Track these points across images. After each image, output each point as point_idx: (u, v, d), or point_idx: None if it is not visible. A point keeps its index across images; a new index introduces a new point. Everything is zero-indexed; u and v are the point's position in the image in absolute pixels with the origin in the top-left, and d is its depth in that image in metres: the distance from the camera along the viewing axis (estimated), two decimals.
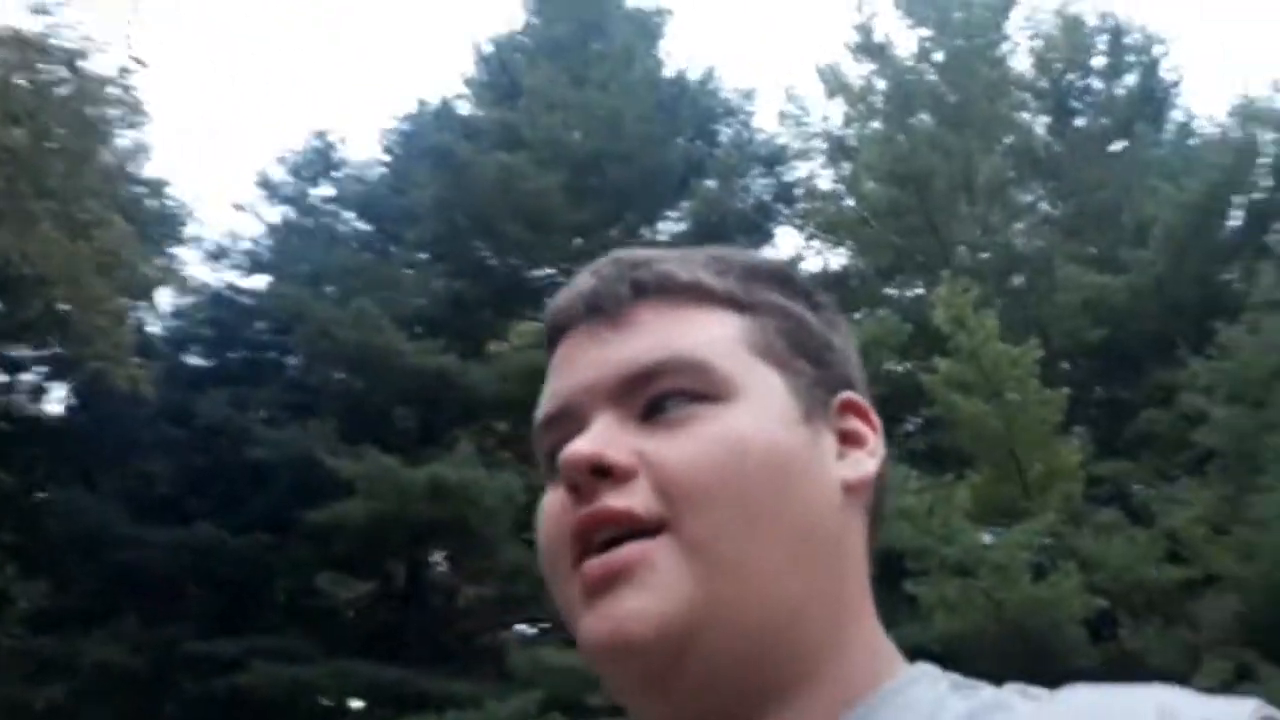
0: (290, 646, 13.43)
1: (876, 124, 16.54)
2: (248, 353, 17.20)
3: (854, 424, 0.73)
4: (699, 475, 0.64)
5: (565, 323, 0.73)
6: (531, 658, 11.79)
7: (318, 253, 16.11)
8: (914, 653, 0.69)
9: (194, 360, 17.16)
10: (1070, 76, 16.85)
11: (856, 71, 16.72)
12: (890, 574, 9.35)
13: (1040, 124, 17.02)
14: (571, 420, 0.69)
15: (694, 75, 17.91)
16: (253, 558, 14.26)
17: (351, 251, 16.43)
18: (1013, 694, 0.61)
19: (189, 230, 16.89)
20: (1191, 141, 16.44)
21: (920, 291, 14.89)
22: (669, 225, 17.02)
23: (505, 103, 16.39)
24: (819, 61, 16.90)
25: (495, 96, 16.97)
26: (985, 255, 15.22)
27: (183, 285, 16.28)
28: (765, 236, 17.22)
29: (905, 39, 16.38)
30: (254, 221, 17.52)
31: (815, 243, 17.49)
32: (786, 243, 17.58)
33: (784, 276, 0.77)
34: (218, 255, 17.22)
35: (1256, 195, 14.38)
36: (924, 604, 9.91)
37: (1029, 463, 11.03)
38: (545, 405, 0.72)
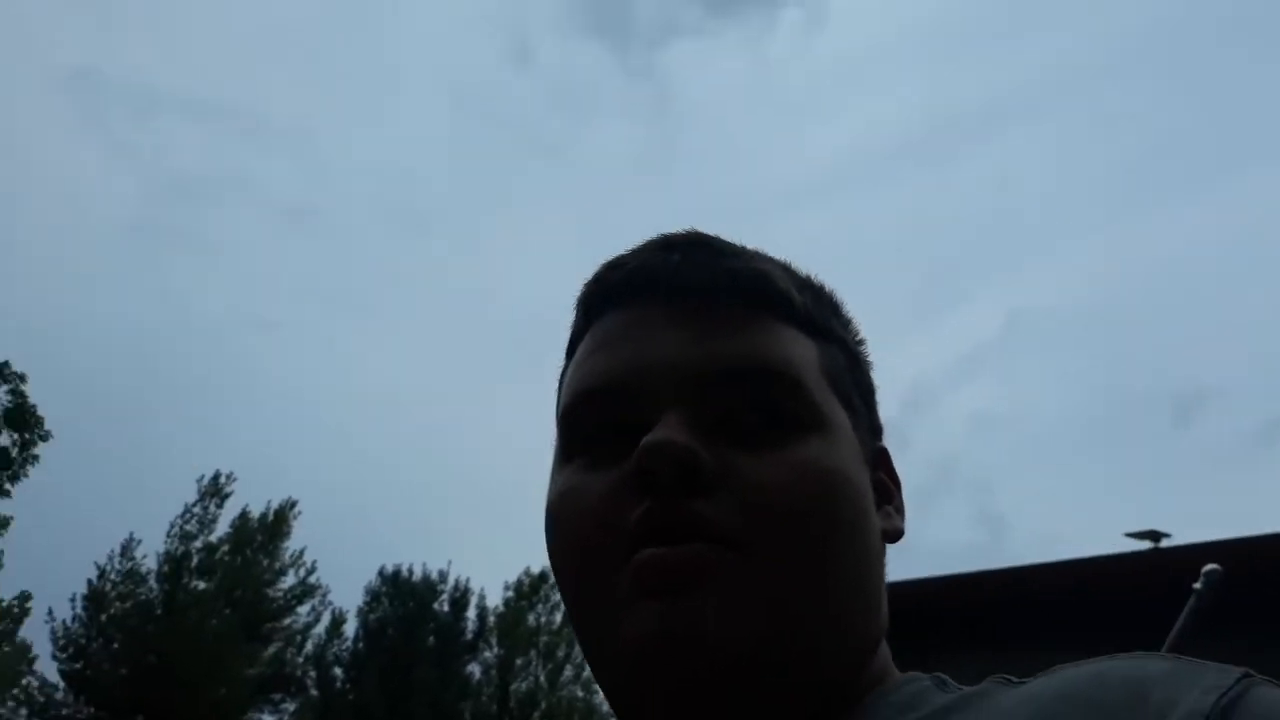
0: None
1: None
2: None
3: (884, 477, 0.71)
4: (791, 503, 0.59)
5: (631, 292, 0.66)
6: None
7: None
8: None
9: None
10: None
11: None
12: None
13: None
14: (632, 400, 0.62)
15: None
16: None
17: None
18: (993, 683, 0.58)
19: None
20: None
21: None
22: None
23: None
24: None
25: None
26: None
27: None
28: None
29: None
30: None
31: None
32: None
33: (839, 305, 0.72)
34: None
35: None
36: None
37: None
38: (598, 374, 0.64)
